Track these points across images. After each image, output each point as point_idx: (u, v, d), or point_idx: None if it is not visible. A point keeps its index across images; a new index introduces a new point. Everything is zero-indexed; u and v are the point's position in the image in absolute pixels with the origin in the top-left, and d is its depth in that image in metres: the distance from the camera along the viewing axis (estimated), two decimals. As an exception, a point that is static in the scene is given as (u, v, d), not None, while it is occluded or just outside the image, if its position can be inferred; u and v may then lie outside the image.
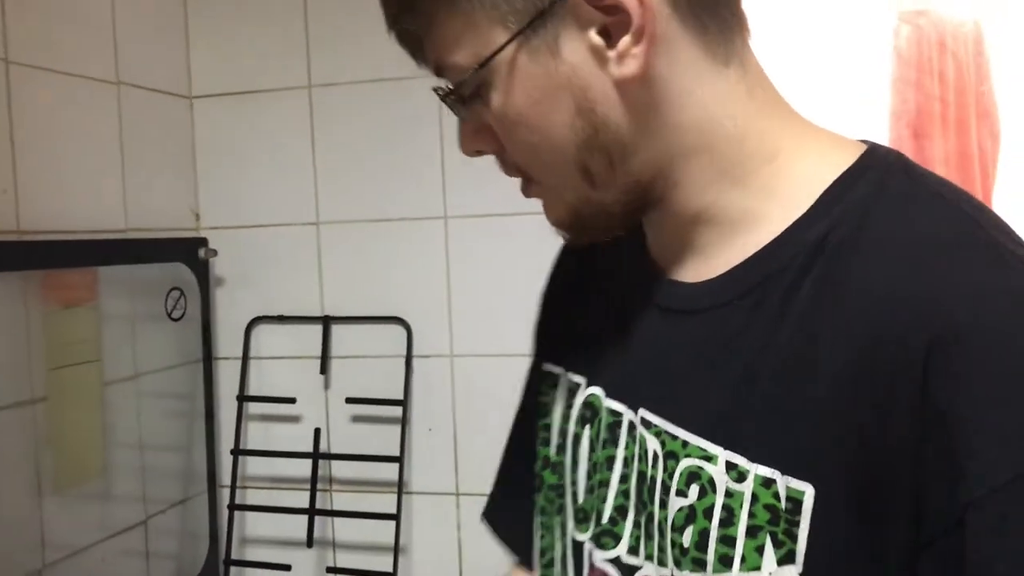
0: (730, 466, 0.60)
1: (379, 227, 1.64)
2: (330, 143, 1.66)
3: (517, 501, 0.84)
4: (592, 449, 0.72)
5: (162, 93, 1.64)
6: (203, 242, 1.67)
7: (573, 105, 0.63)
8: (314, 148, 1.67)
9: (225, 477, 1.72)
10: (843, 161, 0.63)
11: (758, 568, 0.59)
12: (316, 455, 1.64)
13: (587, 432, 0.73)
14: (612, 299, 0.75)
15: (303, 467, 1.66)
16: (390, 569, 1.58)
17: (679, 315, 0.67)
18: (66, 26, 1.42)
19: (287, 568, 1.64)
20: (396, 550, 1.59)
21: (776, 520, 0.58)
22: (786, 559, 0.57)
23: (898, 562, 0.55)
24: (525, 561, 0.85)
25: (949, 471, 0.53)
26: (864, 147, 0.64)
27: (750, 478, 0.59)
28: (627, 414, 0.69)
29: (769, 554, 0.58)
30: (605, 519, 0.70)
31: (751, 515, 0.59)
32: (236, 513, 1.70)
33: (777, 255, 0.62)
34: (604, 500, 0.70)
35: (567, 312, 0.82)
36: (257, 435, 1.72)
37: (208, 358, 1.70)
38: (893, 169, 0.62)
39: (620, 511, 0.69)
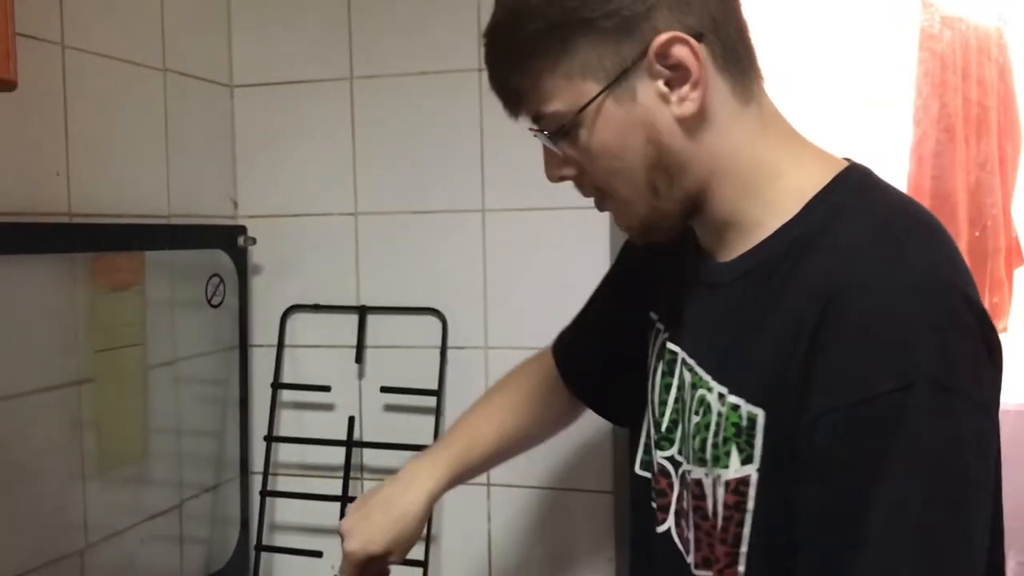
0: (720, 396, 0.88)
1: (417, 219, 1.66)
2: (370, 135, 1.68)
3: (580, 341, 1.21)
4: (662, 377, 1.00)
5: (205, 81, 1.66)
6: (242, 230, 1.69)
7: (645, 136, 0.86)
8: (354, 139, 1.68)
9: (258, 463, 1.73)
10: (824, 178, 0.87)
11: (727, 467, 0.86)
12: (350, 443, 1.66)
13: (660, 366, 1.01)
14: (676, 270, 1.01)
15: (336, 455, 1.67)
16: (421, 557, 1.60)
17: (711, 286, 0.94)
18: (118, 12, 1.43)
19: (318, 554, 1.65)
20: (428, 539, 1.61)
21: (740, 433, 0.85)
22: (746, 461, 0.84)
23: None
24: (573, 384, 1.21)
25: (809, 393, 0.78)
26: (844, 164, 0.89)
27: (727, 403, 0.86)
28: (680, 353, 0.97)
29: (734, 456, 0.85)
30: (663, 428, 0.99)
31: (726, 429, 0.86)
32: (268, 499, 1.71)
33: (768, 249, 0.87)
34: (663, 415, 0.99)
35: (654, 275, 1.06)
36: (290, 422, 1.74)
37: (244, 345, 1.72)
38: (857, 187, 0.86)
39: (673, 423, 0.97)
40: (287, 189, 1.72)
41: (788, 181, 0.88)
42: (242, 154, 1.74)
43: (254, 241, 1.70)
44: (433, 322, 1.65)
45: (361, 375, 1.70)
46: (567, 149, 0.89)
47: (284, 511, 1.75)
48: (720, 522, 0.87)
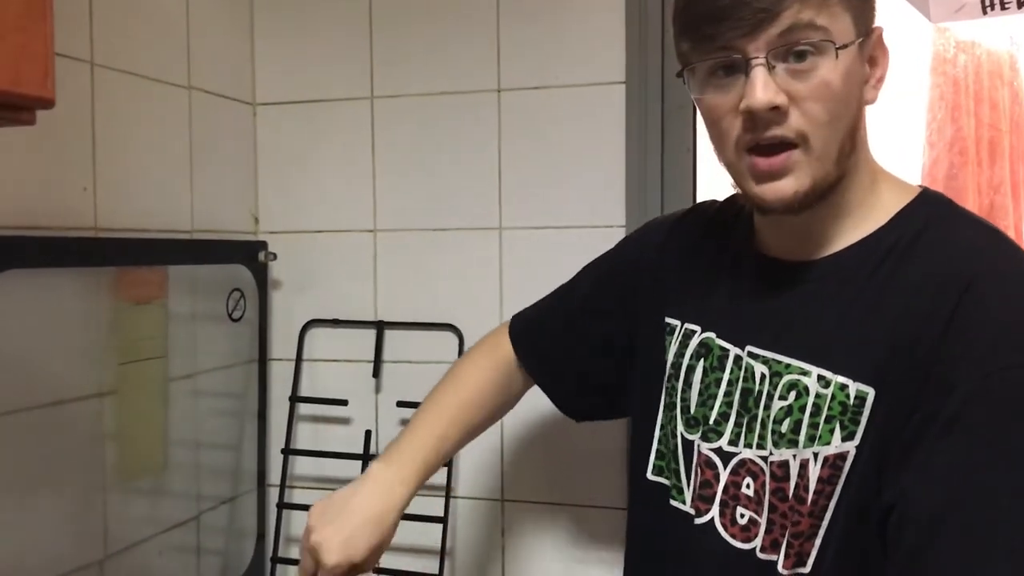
0: (820, 378, 0.94)
1: (435, 236, 1.68)
2: (389, 153, 1.70)
3: (546, 332, 1.28)
4: (704, 374, 1.06)
5: (228, 99, 1.69)
6: (263, 245, 1.71)
7: (857, 98, 0.94)
8: (374, 158, 1.71)
9: (275, 476, 1.75)
10: (908, 196, 0.99)
11: (829, 443, 0.92)
12: (366, 457, 1.67)
13: (701, 364, 1.06)
14: (722, 272, 1.08)
15: (352, 468, 1.69)
16: (436, 571, 1.61)
17: (787, 283, 1.00)
18: (145, 31, 1.47)
19: (334, 567, 1.67)
20: (443, 552, 1.62)
21: (845, 412, 0.92)
22: (847, 438, 0.91)
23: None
24: (527, 366, 1.29)
25: (941, 369, 0.86)
26: (920, 190, 1.00)
27: (833, 384, 0.93)
28: (733, 350, 1.03)
29: (837, 434, 0.92)
30: (711, 421, 1.03)
31: (829, 408, 0.93)
32: (284, 512, 1.73)
33: (866, 249, 0.96)
34: (712, 408, 1.04)
35: (679, 278, 1.13)
36: (308, 436, 1.76)
37: (263, 359, 1.74)
38: (940, 202, 0.99)
39: (723, 416, 1.03)
40: (307, 206, 1.75)
41: (883, 192, 0.99)
42: (264, 171, 1.77)
43: (275, 256, 1.72)
44: (450, 338, 1.67)
45: (378, 389, 1.72)
46: (795, 81, 0.89)
47: (300, 524, 1.74)
48: (811, 496, 0.93)
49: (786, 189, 0.93)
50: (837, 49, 0.89)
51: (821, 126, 0.91)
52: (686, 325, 1.10)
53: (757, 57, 0.89)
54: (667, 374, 1.11)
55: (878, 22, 0.96)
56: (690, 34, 0.94)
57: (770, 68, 0.89)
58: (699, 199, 1.47)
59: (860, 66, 0.93)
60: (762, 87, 0.89)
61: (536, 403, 1.40)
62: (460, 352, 1.65)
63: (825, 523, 0.93)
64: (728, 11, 0.89)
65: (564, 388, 1.30)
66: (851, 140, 0.94)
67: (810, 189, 0.92)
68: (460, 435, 1.24)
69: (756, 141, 0.92)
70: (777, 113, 0.90)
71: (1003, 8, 1.68)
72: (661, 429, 1.11)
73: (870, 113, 0.99)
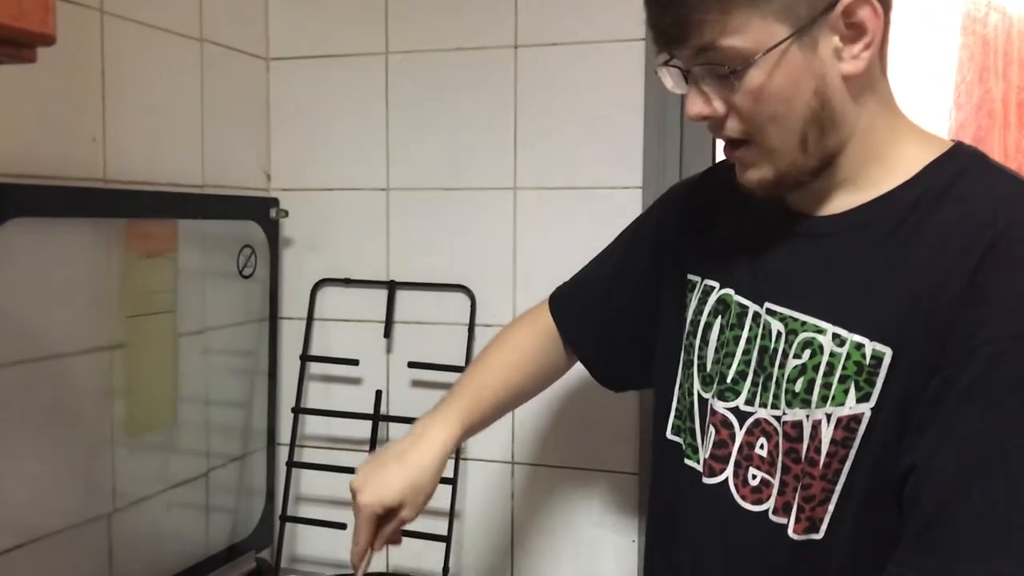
0: (835, 336, 0.91)
1: (448, 195, 1.66)
2: (404, 110, 1.68)
3: (582, 302, 1.27)
4: (721, 331, 1.03)
5: (241, 53, 1.66)
6: (275, 202, 1.70)
7: (813, 88, 0.89)
8: (387, 115, 1.68)
9: (284, 435, 1.74)
10: (938, 148, 0.94)
11: (843, 404, 0.90)
12: (376, 417, 1.66)
13: (718, 320, 1.04)
14: (741, 229, 1.05)
15: (362, 428, 1.68)
16: (444, 532, 1.60)
17: (815, 237, 0.97)
18: (156, -20, 1.44)
19: (342, 527, 1.66)
20: (451, 514, 1.61)
21: (860, 372, 0.89)
22: (863, 399, 0.89)
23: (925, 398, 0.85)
24: (570, 342, 1.27)
25: (965, 327, 0.83)
26: (952, 144, 0.95)
27: (848, 343, 0.90)
28: (752, 307, 1.00)
29: (852, 395, 0.89)
30: (728, 379, 1.01)
31: (844, 368, 0.90)
32: (294, 471, 1.72)
33: (890, 203, 0.93)
34: (729, 367, 1.01)
35: (700, 236, 1.11)
36: (318, 395, 1.75)
37: (273, 317, 1.73)
38: (973, 156, 0.94)
39: (741, 374, 1.00)
40: (320, 163, 1.73)
41: (907, 147, 0.94)
42: (276, 127, 1.74)
43: (286, 214, 1.71)
44: (462, 299, 1.65)
45: (389, 350, 1.71)
46: (723, 89, 0.90)
47: (310, 483, 1.76)
48: (824, 458, 0.91)
49: (751, 178, 0.95)
50: (758, 58, 0.86)
51: (763, 126, 0.90)
52: (706, 281, 1.08)
53: (689, 70, 0.91)
54: (686, 331, 1.09)
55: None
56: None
57: (699, 80, 0.91)
58: (718, 159, 1.44)
59: (810, 54, 0.88)
60: (691, 101, 0.92)
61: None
62: (472, 314, 1.64)
63: (839, 488, 0.91)
64: (654, 18, 0.92)
65: (601, 357, 1.28)
66: (817, 125, 0.90)
67: (776, 178, 0.93)
68: (500, 389, 1.23)
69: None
70: (713, 121, 0.92)
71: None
72: (680, 388, 1.10)
73: (895, 75, 0.97)
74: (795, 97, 0.88)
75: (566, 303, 1.29)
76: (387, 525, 1.13)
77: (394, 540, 1.16)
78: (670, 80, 0.94)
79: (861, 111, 0.92)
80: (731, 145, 0.95)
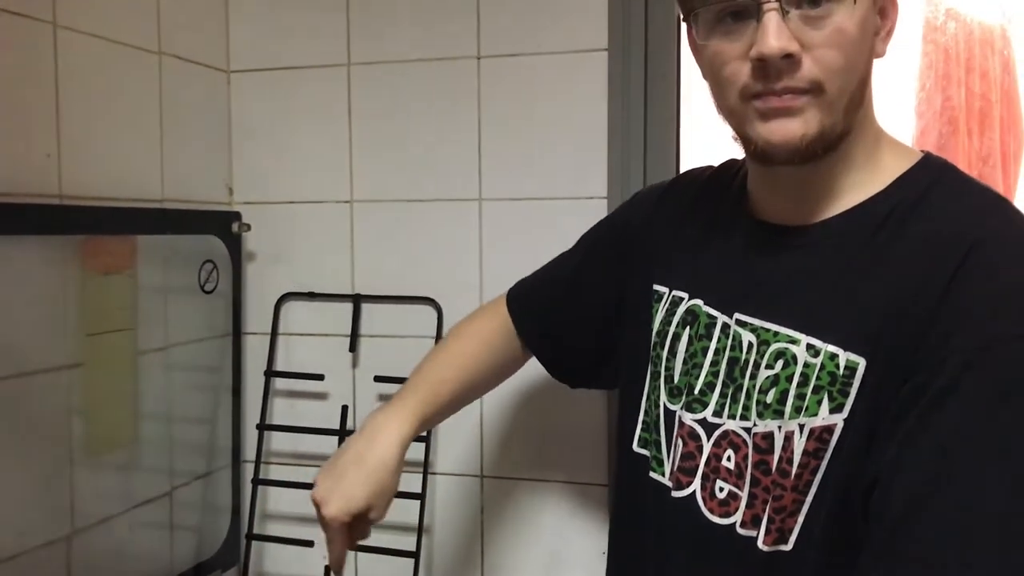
0: (809, 346, 0.91)
1: (413, 207, 1.64)
2: (367, 122, 1.66)
3: (540, 300, 1.28)
4: (690, 343, 1.02)
5: (201, 66, 1.64)
6: (237, 216, 1.68)
7: (869, 50, 0.91)
8: (351, 126, 1.67)
9: (250, 452, 1.72)
10: (909, 160, 0.95)
11: (816, 415, 0.89)
12: (343, 432, 1.64)
13: (687, 331, 1.03)
14: (711, 239, 1.05)
15: (329, 444, 1.66)
16: (413, 548, 1.58)
17: (788, 248, 0.96)
18: (112, -8, 1.42)
19: (309, 544, 1.64)
20: (420, 529, 1.59)
21: (834, 382, 0.88)
22: (836, 410, 0.88)
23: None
24: (525, 338, 1.28)
25: (938, 335, 0.83)
26: (922, 155, 0.96)
27: (822, 353, 0.90)
28: (721, 318, 1.00)
29: (825, 405, 0.89)
30: (696, 391, 1.00)
31: (818, 378, 0.89)
32: (259, 488, 1.70)
33: (864, 214, 0.93)
34: (697, 378, 1.00)
35: (668, 245, 1.10)
36: (283, 411, 1.73)
37: (237, 332, 1.70)
38: (943, 168, 0.95)
39: (709, 386, 0.99)
40: (283, 176, 1.71)
41: (884, 155, 0.96)
42: (238, 140, 1.72)
43: (248, 227, 1.69)
44: (428, 311, 1.64)
45: (355, 364, 1.69)
46: (808, 28, 0.87)
47: (276, 500, 1.73)
48: (796, 469, 0.90)
49: (794, 130, 0.89)
50: None
51: (836, 73, 0.88)
52: (674, 292, 1.07)
53: (769, 2, 0.86)
54: (653, 342, 1.08)
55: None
56: None
57: (783, 13, 0.86)
58: (683, 170, 1.44)
59: (873, 15, 0.90)
60: (775, 33, 0.86)
61: (515, 379, 1.38)
62: (439, 326, 1.62)
63: (809, 499, 0.90)
64: None
65: (555, 351, 1.29)
66: (861, 92, 0.91)
67: (817, 135, 0.89)
68: (457, 383, 1.23)
69: (766, 91, 0.88)
70: (790, 61, 0.87)
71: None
72: (647, 399, 1.09)
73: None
74: (863, 50, 0.89)
75: (523, 297, 1.30)
76: (356, 529, 1.12)
77: (364, 536, 1.15)
78: (774, 22, 0.87)
79: (867, 101, 0.93)
80: (789, 93, 0.88)
